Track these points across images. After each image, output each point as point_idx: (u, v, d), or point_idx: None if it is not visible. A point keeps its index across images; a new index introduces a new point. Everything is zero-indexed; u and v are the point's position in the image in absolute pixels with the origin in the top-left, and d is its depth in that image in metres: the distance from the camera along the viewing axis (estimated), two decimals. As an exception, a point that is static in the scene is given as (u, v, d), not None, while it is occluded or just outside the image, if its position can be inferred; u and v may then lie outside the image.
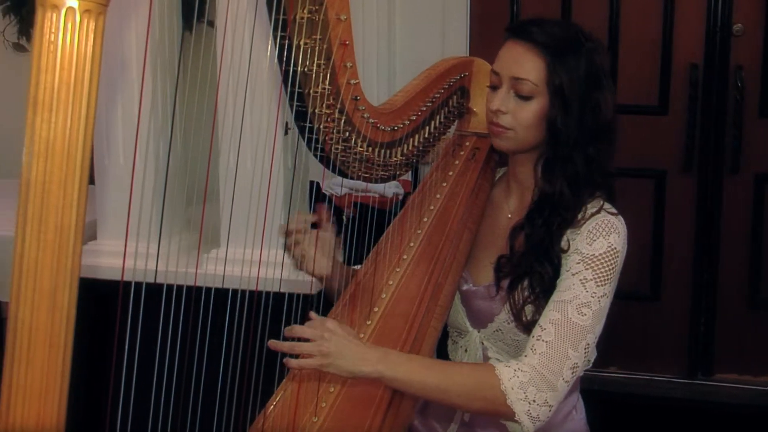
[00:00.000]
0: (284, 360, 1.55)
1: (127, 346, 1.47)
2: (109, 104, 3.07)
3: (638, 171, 3.76)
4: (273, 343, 1.54)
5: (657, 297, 3.85)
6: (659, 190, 3.81)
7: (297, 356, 1.54)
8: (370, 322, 1.74)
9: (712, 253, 3.79)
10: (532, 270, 1.72)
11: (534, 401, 1.56)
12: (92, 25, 1.03)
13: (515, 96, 1.73)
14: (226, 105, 2.82)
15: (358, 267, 2.03)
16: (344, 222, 3.10)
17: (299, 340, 1.55)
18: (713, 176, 3.74)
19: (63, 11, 1.01)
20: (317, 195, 3.14)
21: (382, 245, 1.90)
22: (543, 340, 1.61)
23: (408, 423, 1.75)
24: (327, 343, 1.53)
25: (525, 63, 1.71)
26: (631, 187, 3.75)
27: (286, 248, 1.87)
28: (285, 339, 1.56)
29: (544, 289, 1.70)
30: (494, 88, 1.77)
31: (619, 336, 3.69)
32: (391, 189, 3.20)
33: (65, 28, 1.01)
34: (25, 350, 1.04)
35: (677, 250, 3.82)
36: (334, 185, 3.26)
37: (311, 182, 3.11)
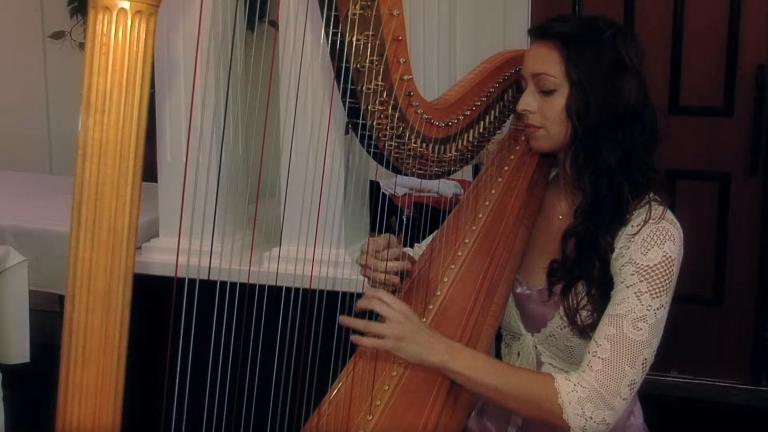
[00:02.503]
0: (353, 338, 1.57)
1: (181, 343, 1.48)
2: (171, 101, 3.10)
3: (702, 173, 3.71)
4: (345, 319, 1.56)
5: (720, 301, 3.79)
6: (723, 193, 3.75)
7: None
8: (425, 319, 1.73)
9: (777, 257, 3.71)
10: (583, 272, 1.69)
11: (591, 418, 1.55)
12: (143, 26, 1.03)
13: (539, 93, 1.73)
14: (287, 103, 2.84)
15: (409, 250, 2.02)
16: (404, 222, 3.11)
17: (368, 316, 1.57)
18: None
19: (114, 13, 1.01)
20: (377, 195, 3.14)
21: (436, 242, 1.89)
22: (599, 357, 1.58)
23: (463, 423, 1.74)
24: (402, 327, 1.55)
25: (542, 58, 1.71)
26: (694, 190, 3.70)
27: (363, 273, 1.86)
28: (356, 315, 1.59)
29: (598, 288, 1.67)
30: (523, 91, 1.78)
31: (681, 340, 3.63)
32: (451, 189, 3.18)
33: (117, 30, 1.01)
34: (80, 351, 1.05)
35: (741, 254, 3.75)
36: (394, 185, 3.26)
37: (371, 182, 3.11)
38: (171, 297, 1.52)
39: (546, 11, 3.82)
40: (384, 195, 3.18)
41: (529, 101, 1.74)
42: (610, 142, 1.69)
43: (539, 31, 1.75)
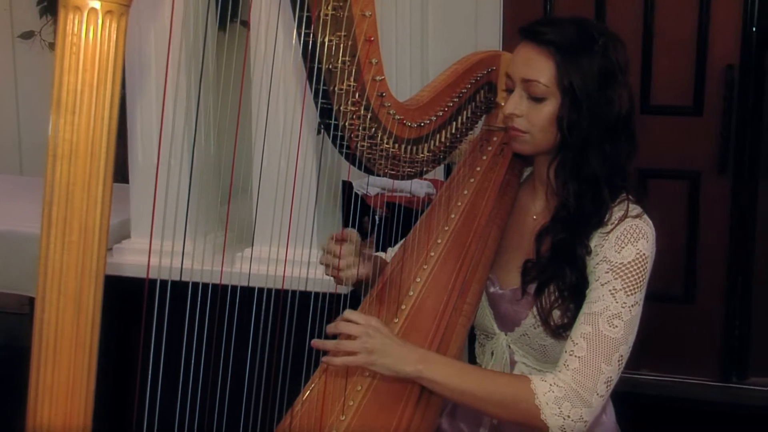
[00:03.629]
0: (324, 359, 1.57)
1: (153, 345, 1.48)
2: (142, 102, 3.09)
3: (672, 172, 3.74)
4: (317, 343, 1.57)
5: (691, 299, 3.82)
6: (693, 192, 3.78)
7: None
8: (397, 320, 1.73)
9: (747, 256, 3.75)
10: (557, 275, 1.70)
11: (569, 417, 1.56)
12: (114, 25, 1.03)
13: (528, 98, 1.71)
14: (259, 103, 2.83)
15: (381, 254, 2.03)
16: (377, 222, 3.11)
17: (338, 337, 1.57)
18: (748, 178, 3.71)
19: (85, 12, 1.01)
20: (350, 195, 3.14)
21: (409, 242, 1.89)
22: (575, 356, 1.59)
23: (436, 422, 1.74)
24: (372, 341, 1.55)
25: (535, 64, 1.69)
26: (665, 189, 3.73)
27: (327, 272, 1.86)
28: (327, 337, 1.59)
29: (572, 292, 1.68)
30: (509, 91, 1.76)
31: (652, 338, 3.62)
32: (423, 189, 3.19)
33: (88, 29, 1.01)
34: (51, 351, 1.05)
35: (711, 252, 3.79)
36: (367, 185, 3.25)
37: (344, 182, 3.11)
38: (143, 298, 1.51)
39: (517, 12, 3.84)
40: (356, 195, 3.18)
41: (517, 105, 1.72)
42: (598, 154, 1.69)
43: (531, 34, 1.72)
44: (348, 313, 1.59)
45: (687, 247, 3.79)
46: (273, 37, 2.53)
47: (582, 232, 1.69)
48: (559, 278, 1.70)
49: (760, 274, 3.75)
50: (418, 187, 3.18)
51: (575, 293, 1.68)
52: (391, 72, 3.29)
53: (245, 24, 3.21)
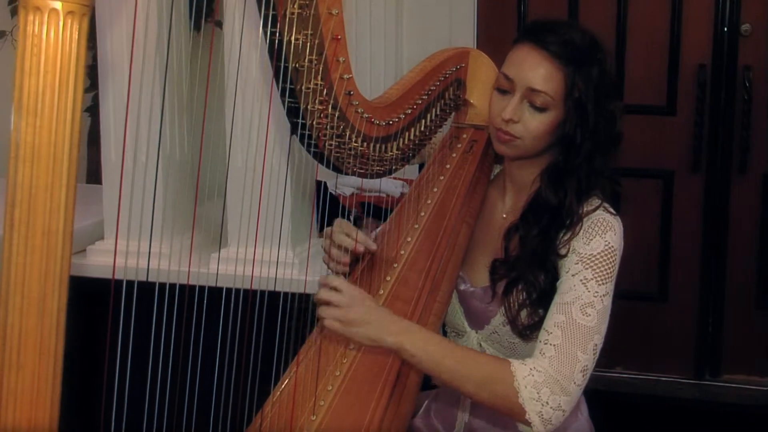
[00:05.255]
0: (318, 311, 1.58)
1: (119, 346, 1.47)
2: (115, 102, 3.06)
3: (646, 171, 3.74)
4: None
5: (664, 297, 3.83)
6: (667, 191, 3.79)
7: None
8: None
9: (720, 254, 3.77)
10: (526, 276, 1.70)
11: (547, 403, 1.55)
12: (76, 26, 1.02)
13: (530, 106, 1.70)
14: (233, 103, 2.82)
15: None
16: (351, 222, 3.10)
17: None
18: (721, 176, 3.72)
19: (46, 13, 1.00)
20: (324, 195, 3.13)
21: (378, 241, 1.89)
22: (551, 344, 1.59)
23: (408, 420, 1.74)
24: (351, 312, 1.55)
25: (543, 74, 1.67)
26: (638, 188, 3.73)
27: (329, 268, 1.87)
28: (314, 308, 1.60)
29: (540, 295, 1.69)
30: (503, 92, 1.74)
31: (626, 336, 3.68)
32: (398, 189, 3.18)
33: (48, 30, 1.01)
34: (15, 356, 1.04)
35: (685, 251, 3.80)
36: (342, 185, 3.25)
37: (318, 182, 3.10)
38: (115, 299, 1.49)
39: (491, 10, 3.85)
40: (331, 195, 3.17)
41: (517, 111, 1.70)
42: (589, 164, 1.71)
43: (538, 41, 1.69)
44: (331, 280, 1.59)
45: (660, 246, 3.80)
46: (242, 37, 2.52)
47: (554, 235, 1.70)
48: (529, 280, 1.70)
49: (733, 272, 3.76)
50: (393, 187, 3.17)
51: (543, 296, 1.68)
52: (365, 70, 3.28)
53: (220, 24, 3.21)
